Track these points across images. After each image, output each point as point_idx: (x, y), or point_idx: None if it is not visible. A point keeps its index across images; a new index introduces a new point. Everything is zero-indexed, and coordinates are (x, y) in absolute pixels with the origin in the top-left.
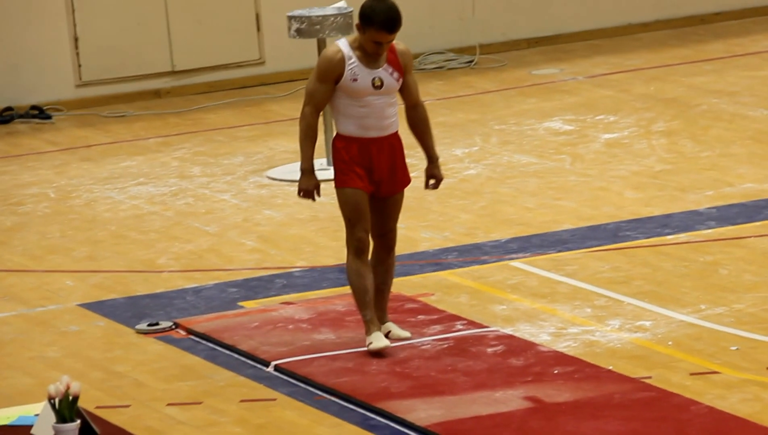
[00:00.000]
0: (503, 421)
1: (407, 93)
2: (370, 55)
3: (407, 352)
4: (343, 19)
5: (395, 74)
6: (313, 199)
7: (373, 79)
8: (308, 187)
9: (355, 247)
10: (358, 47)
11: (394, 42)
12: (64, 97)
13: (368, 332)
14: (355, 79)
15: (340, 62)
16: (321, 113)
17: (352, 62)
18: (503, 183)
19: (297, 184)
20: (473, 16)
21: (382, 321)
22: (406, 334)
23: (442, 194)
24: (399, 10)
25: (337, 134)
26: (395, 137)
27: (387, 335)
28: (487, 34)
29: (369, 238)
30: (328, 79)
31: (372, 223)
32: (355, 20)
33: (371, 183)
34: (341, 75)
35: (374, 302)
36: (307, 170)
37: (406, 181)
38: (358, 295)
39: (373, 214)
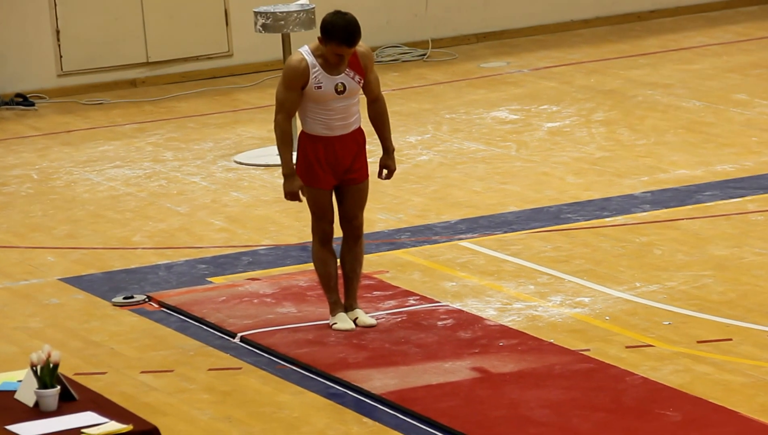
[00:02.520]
0: (452, 390)
1: (368, 89)
2: (331, 63)
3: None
4: (305, 15)
5: (357, 77)
6: (300, 200)
7: (336, 85)
8: (293, 190)
9: (320, 237)
10: (320, 55)
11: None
12: (47, 86)
13: (333, 313)
14: (319, 87)
15: (305, 70)
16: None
17: (316, 70)
18: (453, 168)
19: (282, 187)
20: (426, 13)
21: (351, 308)
22: (372, 321)
23: (397, 179)
24: (358, 24)
25: (303, 132)
26: (359, 132)
27: (354, 321)
28: (439, 29)
29: (332, 229)
30: (295, 87)
31: (339, 210)
32: (318, 16)
33: (335, 176)
34: (306, 82)
35: (344, 290)
36: (289, 174)
37: (366, 173)
38: (323, 280)
39: (340, 202)
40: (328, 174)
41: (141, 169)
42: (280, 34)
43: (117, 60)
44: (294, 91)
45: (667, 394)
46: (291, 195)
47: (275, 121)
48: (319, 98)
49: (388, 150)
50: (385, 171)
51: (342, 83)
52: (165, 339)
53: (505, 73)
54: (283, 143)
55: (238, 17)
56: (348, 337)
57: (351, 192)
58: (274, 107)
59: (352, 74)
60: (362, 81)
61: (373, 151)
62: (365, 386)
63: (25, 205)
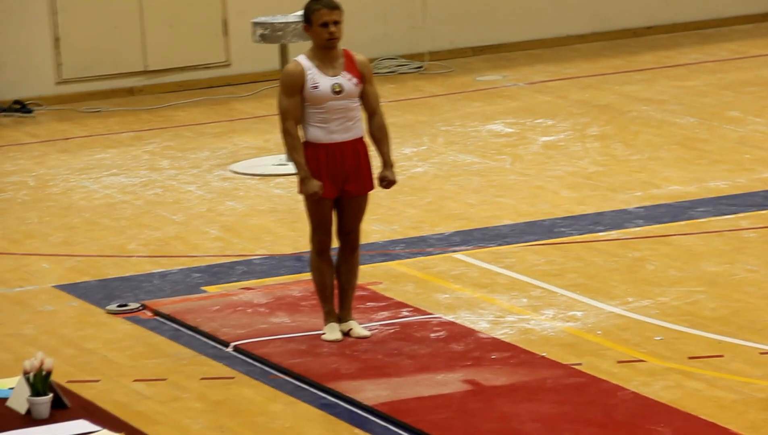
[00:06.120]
0: (444, 402)
1: (366, 102)
2: (324, 49)
3: None
4: None
5: (354, 80)
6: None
7: (333, 85)
8: (313, 190)
9: (317, 248)
10: (315, 57)
11: (352, 53)
12: (45, 93)
13: (325, 322)
14: (315, 87)
15: (301, 73)
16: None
17: (312, 71)
18: (448, 180)
19: (300, 192)
20: (423, 25)
21: (346, 319)
22: (366, 333)
23: (392, 190)
24: None
25: (305, 141)
26: (360, 142)
27: (348, 332)
28: (436, 42)
29: (330, 239)
30: (295, 92)
31: (337, 222)
32: None
33: (336, 187)
34: (303, 84)
35: (339, 301)
36: (306, 177)
37: (370, 185)
38: (319, 289)
39: (338, 214)
40: (329, 184)
41: (137, 177)
42: (278, 45)
43: (115, 68)
44: (294, 96)
45: (658, 409)
46: (311, 196)
47: (283, 129)
48: (316, 99)
49: (386, 164)
50: (384, 182)
51: (338, 83)
52: (158, 347)
53: (500, 87)
54: (294, 149)
55: (236, 27)
56: (341, 348)
57: (350, 204)
58: (270, 117)
59: (348, 76)
60: (360, 85)
61: (376, 166)
62: (357, 397)
63: (21, 211)
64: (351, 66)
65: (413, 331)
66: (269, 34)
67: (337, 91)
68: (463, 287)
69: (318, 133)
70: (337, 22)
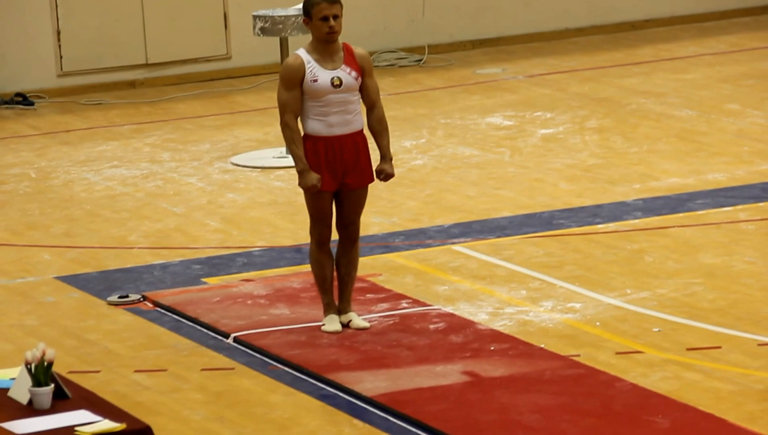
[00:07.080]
0: (443, 393)
1: (365, 95)
2: (324, 43)
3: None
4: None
5: (353, 73)
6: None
7: (332, 78)
8: (312, 183)
9: (317, 239)
10: (314, 50)
11: (352, 46)
12: (46, 86)
13: (325, 314)
14: (315, 80)
15: (300, 66)
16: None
17: (311, 65)
18: (447, 173)
19: (299, 185)
20: (423, 19)
21: (345, 311)
22: (366, 324)
23: (391, 182)
24: None
25: (305, 134)
26: (359, 135)
27: (348, 324)
28: (436, 35)
29: (330, 232)
30: (294, 85)
31: (337, 214)
32: None
33: (335, 180)
34: (303, 77)
35: (339, 293)
36: (304, 170)
37: (369, 178)
38: (319, 281)
39: (338, 206)
40: (328, 177)
41: (138, 169)
42: (278, 38)
43: (116, 61)
44: (294, 90)
45: (656, 400)
46: (311, 188)
47: (282, 122)
48: (316, 93)
49: (385, 157)
50: (381, 175)
51: (338, 77)
52: (159, 338)
53: (500, 80)
54: (293, 141)
55: (237, 20)
56: (340, 339)
57: (350, 197)
58: (270, 110)
59: (348, 70)
60: (359, 78)
61: (375, 158)
62: (357, 388)
63: (22, 203)
64: (350, 59)
65: (412, 322)
66: (269, 27)
67: (337, 84)
68: (462, 279)
69: (317, 127)
70: (336, 16)
